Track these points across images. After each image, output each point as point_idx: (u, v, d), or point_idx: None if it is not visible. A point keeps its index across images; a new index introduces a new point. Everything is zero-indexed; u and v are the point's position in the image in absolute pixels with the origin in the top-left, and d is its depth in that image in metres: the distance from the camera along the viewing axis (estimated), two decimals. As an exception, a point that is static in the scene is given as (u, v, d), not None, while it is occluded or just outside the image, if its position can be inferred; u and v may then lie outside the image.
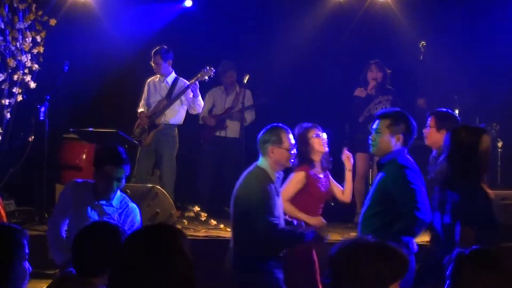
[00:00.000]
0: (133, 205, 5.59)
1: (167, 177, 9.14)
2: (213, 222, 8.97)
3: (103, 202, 5.47)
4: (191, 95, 9.15)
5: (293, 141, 5.75)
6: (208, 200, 10.09)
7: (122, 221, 5.41)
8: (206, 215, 9.18)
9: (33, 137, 9.34)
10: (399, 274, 2.73)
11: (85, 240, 3.58)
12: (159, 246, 2.75)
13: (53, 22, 9.22)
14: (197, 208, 9.37)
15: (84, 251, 3.53)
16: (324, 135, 6.48)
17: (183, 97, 9.25)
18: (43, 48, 9.21)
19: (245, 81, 9.66)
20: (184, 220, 8.99)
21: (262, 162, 5.68)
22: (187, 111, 9.39)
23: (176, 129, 9.35)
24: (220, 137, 10.22)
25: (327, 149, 6.48)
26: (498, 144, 9.41)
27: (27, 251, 3.29)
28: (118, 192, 5.51)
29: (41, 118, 9.04)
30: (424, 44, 9.51)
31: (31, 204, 9.32)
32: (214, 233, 8.50)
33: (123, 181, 5.42)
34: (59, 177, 10.05)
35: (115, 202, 5.49)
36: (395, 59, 10.41)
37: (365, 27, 10.81)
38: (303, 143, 6.33)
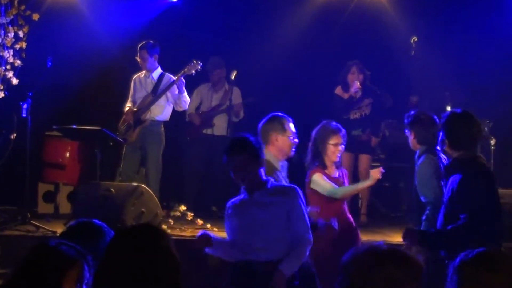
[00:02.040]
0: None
1: (153, 175, 9.02)
2: (200, 221, 8.81)
3: (257, 193, 5.04)
4: (176, 91, 9.04)
5: (294, 130, 5.86)
6: (195, 199, 9.98)
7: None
8: (192, 214, 9.04)
9: (15, 134, 9.20)
10: (414, 280, 2.66)
11: (70, 240, 3.39)
12: (144, 246, 2.78)
13: (36, 17, 9.09)
14: (183, 207, 9.25)
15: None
16: (342, 147, 6.36)
17: (168, 93, 9.13)
18: (25, 44, 9.07)
19: (233, 77, 9.69)
20: (170, 220, 8.84)
21: (265, 153, 5.52)
22: (173, 108, 9.27)
23: (162, 125, 9.23)
24: (207, 134, 10.04)
25: (338, 159, 6.40)
26: (491, 141, 9.35)
27: (86, 275, 2.96)
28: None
29: (24, 115, 8.92)
30: (416, 39, 9.49)
31: (13, 203, 9.23)
32: (201, 232, 8.35)
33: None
34: (42, 175, 10.00)
35: (269, 187, 5.10)
36: (386, 55, 10.41)
37: (356, 23, 10.83)
38: (320, 144, 6.29)
